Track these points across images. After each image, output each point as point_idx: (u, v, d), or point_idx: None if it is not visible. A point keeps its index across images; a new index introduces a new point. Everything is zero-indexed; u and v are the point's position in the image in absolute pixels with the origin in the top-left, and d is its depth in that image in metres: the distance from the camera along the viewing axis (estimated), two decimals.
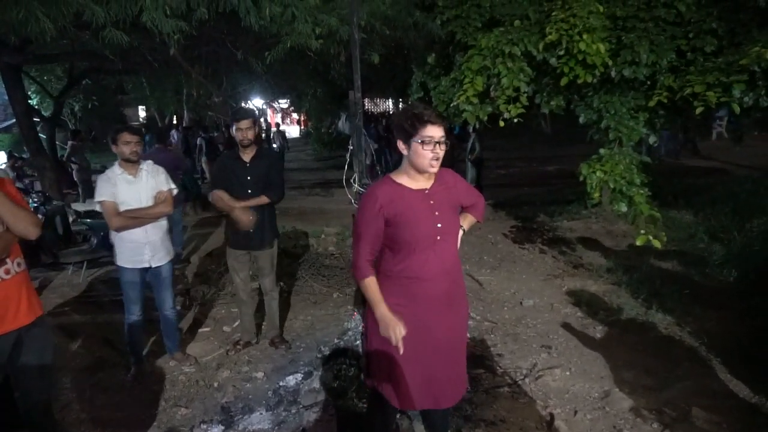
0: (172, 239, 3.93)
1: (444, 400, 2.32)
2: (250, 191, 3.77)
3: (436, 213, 2.19)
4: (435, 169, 2.15)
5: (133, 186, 3.53)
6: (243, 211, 3.69)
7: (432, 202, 2.20)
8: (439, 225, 2.18)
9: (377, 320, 2.16)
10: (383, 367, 2.25)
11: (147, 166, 3.62)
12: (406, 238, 2.15)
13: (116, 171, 3.53)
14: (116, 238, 3.56)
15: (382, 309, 2.15)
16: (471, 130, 6.92)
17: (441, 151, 2.12)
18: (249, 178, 3.78)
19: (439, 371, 2.24)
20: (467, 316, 2.38)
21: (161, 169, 3.71)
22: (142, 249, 3.55)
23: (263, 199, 3.78)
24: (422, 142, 2.09)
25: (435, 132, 2.10)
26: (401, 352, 2.14)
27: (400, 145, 2.19)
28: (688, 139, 13.38)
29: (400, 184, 2.21)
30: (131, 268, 3.57)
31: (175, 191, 3.72)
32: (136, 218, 3.50)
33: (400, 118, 2.19)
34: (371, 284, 2.18)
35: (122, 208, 3.47)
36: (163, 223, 3.68)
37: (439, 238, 2.18)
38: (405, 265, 2.17)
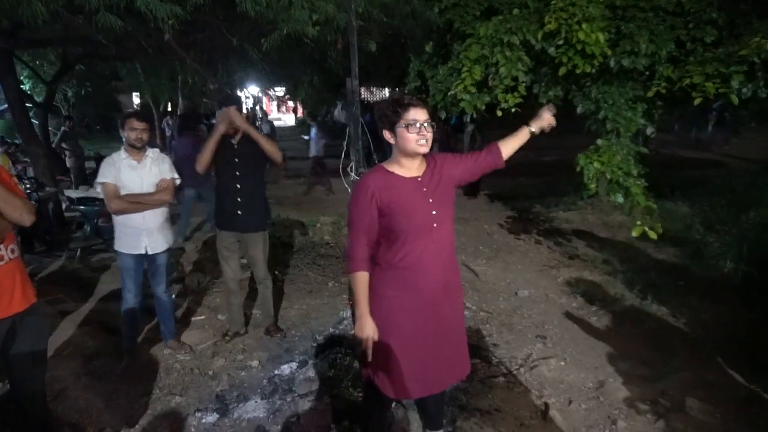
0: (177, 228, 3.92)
1: (441, 384, 2.33)
2: (238, 173, 3.77)
3: (430, 200, 2.17)
4: (424, 149, 2.14)
5: (136, 171, 3.55)
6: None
7: (425, 189, 2.19)
8: (434, 212, 2.16)
9: (356, 317, 2.20)
10: (378, 357, 2.24)
11: (153, 153, 3.65)
12: (401, 227, 2.13)
13: (121, 155, 3.56)
14: (115, 223, 3.59)
15: (363, 310, 2.18)
16: (469, 120, 6.88)
17: (427, 133, 2.12)
18: (237, 160, 3.78)
19: (438, 358, 2.24)
20: (463, 303, 2.38)
21: (166, 158, 3.73)
22: (139, 235, 3.56)
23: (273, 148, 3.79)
24: (407, 126, 2.09)
25: (418, 114, 2.11)
26: (369, 359, 2.19)
27: (387, 134, 2.18)
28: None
29: (392, 173, 2.19)
30: (128, 253, 3.59)
31: (177, 181, 3.72)
32: (136, 203, 3.52)
33: (382, 108, 2.19)
34: (362, 280, 2.18)
35: (123, 193, 3.49)
36: (163, 210, 3.69)
37: (435, 225, 2.16)
38: (403, 254, 2.15)
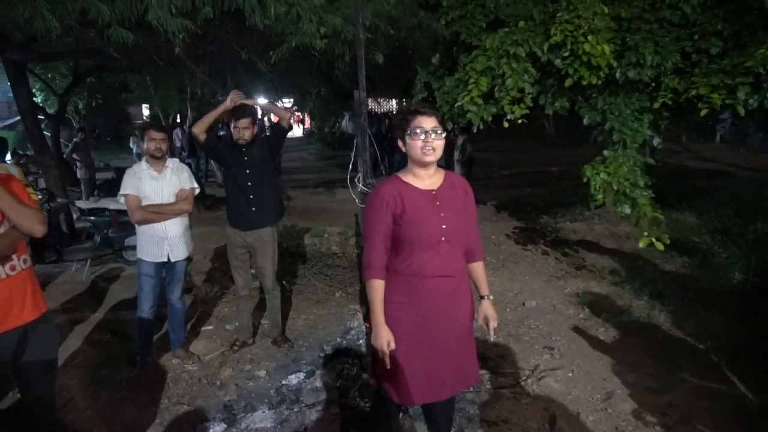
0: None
1: (444, 392, 2.31)
2: (248, 171, 3.88)
3: (442, 214, 2.17)
4: (430, 158, 2.14)
5: (157, 182, 3.66)
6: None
7: (438, 203, 2.19)
8: (443, 226, 2.16)
9: (372, 325, 2.19)
10: (383, 363, 2.23)
11: (172, 164, 3.77)
12: (409, 237, 2.15)
13: (142, 166, 3.68)
14: (138, 232, 3.70)
15: (379, 318, 2.17)
16: (474, 130, 6.89)
17: (434, 141, 2.11)
18: (246, 158, 3.90)
19: (442, 367, 2.24)
20: (471, 313, 2.37)
21: (186, 168, 3.86)
22: (161, 243, 3.67)
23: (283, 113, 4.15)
24: (412, 134, 2.11)
25: (425, 122, 2.11)
26: (388, 366, 2.16)
27: (400, 143, 2.21)
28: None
29: (406, 183, 2.21)
30: (150, 261, 3.68)
31: (197, 190, 3.84)
32: (157, 213, 3.62)
33: (395, 116, 2.23)
34: (378, 288, 2.18)
35: (144, 203, 3.61)
36: (183, 219, 3.78)
37: (443, 239, 2.16)
38: (408, 263, 2.17)
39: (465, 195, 2.30)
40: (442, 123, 2.19)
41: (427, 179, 2.22)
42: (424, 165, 2.18)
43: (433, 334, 2.20)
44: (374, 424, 2.58)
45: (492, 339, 2.42)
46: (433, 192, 2.21)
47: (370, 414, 2.72)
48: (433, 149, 2.12)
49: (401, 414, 3.06)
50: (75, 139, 11.09)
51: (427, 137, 2.10)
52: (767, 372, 3.41)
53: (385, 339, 2.15)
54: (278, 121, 4.13)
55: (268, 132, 15.47)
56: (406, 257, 2.17)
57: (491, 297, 2.43)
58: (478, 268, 2.42)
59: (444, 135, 2.17)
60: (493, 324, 2.38)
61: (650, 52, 4.59)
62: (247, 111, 3.83)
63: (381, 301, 2.18)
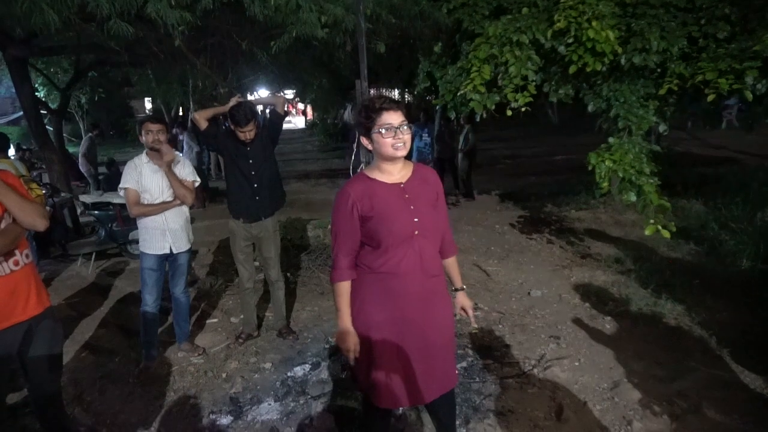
0: None
1: (423, 396, 2.23)
2: (251, 161, 3.91)
3: (412, 207, 2.11)
4: (402, 153, 2.07)
5: (157, 175, 3.64)
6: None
7: (407, 196, 2.13)
8: (415, 219, 2.10)
9: (338, 327, 2.18)
10: (362, 365, 2.20)
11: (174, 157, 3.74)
12: (382, 234, 2.08)
13: (143, 159, 3.66)
14: (139, 225, 3.70)
15: (345, 320, 2.16)
16: (477, 119, 6.85)
17: (403, 135, 2.05)
18: (249, 149, 3.92)
19: (422, 370, 2.17)
20: (450, 314, 2.32)
21: (188, 162, 3.85)
22: (163, 235, 3.66)
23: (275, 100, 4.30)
24: (380, 131, 2.04)
25: (392, 118, 2.03)
26: (363, 377, 2.16)
27: (365, 141, 2.13)
28: None
29: (373, 179, 2.14)
30: (152, 254, 3.67)
31: (197, 183, 3.82)
32: (157, 206, 3.63)
33: (357, 115, 2.15)
34: (343, 290, 2.17)
35: (144, 195, 3.60)
36: (184, 210, 3.78)
37: (416, 232, 2.10)
38: (383, 260, 2.11)
39: (436, 190, 2.24)
40: (407, 115, 2.10)
41: (395, 173, 2.15)
42: (393, 160, 2.11)
43: (412, 335, 2.14)
44: (369, 421, 2.53)
45: (474, 327, 2.45)
46: (402, 185, 2.14)
47: (363, 411, 2.67)
48: (404, 144, 2.06)
49: (400, 411, 3.05)
50: (90, 135, 11.13)
51: (397, 133, 2.03)
52: None
53: (351, 344, 2.13)
54: (273, 108, 4.20)
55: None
56: (382, 254, 2.11)
57: (465, 287, 2.43)
58: (452, 263, 2.40)
59: (410, 127, 2.09)
60: (471, 312, 2.39)
61: (656, 38, 4.53)
62: (249, 115, 3.77)
63: (347, 303, 2.16)
